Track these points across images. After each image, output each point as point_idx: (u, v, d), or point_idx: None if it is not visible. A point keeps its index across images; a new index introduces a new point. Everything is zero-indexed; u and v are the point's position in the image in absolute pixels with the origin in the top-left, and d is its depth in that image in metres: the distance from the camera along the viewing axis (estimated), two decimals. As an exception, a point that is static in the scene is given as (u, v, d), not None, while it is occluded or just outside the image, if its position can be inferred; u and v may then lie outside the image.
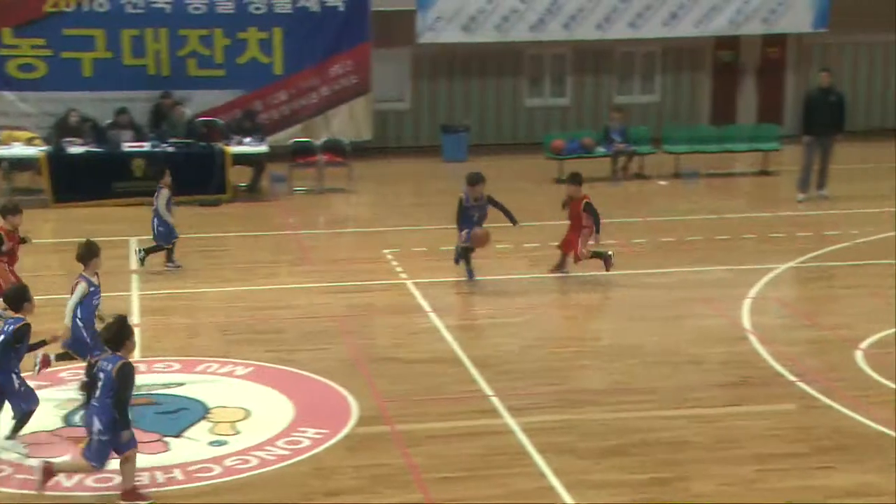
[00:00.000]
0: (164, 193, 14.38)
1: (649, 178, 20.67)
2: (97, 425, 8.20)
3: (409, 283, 14.19)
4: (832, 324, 12.51)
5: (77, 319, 10.00)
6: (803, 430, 9.76)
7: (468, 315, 13.09)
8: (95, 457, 8.27)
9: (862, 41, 23.91)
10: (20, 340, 9.20)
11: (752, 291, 13.78)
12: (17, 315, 9.34)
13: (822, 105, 18.49)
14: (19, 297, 9.40)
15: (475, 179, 13.91)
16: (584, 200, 14.10)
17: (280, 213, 14.76)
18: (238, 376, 10.98)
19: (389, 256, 15.45)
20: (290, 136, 21.45)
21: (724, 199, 19.07)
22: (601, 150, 20.86)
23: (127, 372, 8.14)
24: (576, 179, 14.35)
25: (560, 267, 14.36)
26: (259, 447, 9.37)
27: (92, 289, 10.08)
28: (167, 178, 14.45)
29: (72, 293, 10.07)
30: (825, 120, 18.48)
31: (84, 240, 10.37)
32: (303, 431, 9.65)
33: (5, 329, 9.28)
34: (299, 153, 20.37)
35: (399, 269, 14.86)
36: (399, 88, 23.68)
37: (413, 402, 10.10)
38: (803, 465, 9.05)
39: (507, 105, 23.93)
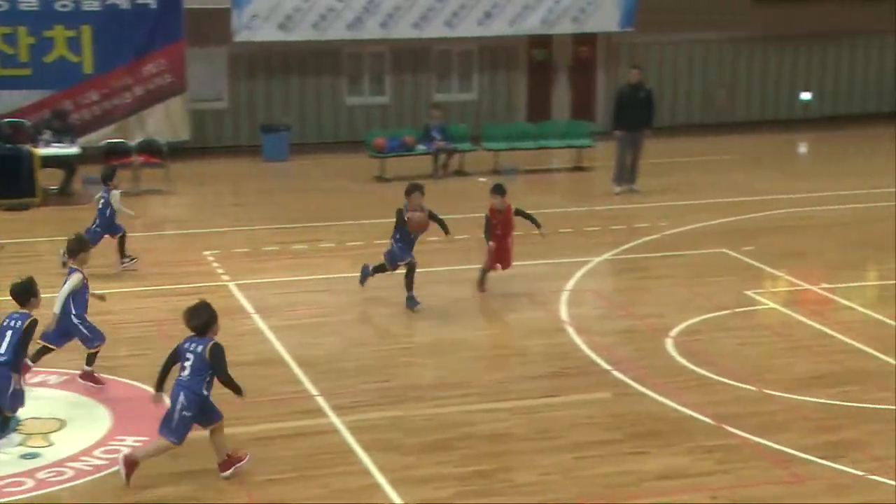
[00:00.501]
0: (116, 194, 14.49)
1: (469, 174, 21.00)
2: (182, 401, 8.60)
3: (231, 284, 14.04)
4: (644, 313, 12.99)
5: (72, 317, 10.18)
6: (618, 417, 10.12)
7: (292, 315, 13.04)
8: (176, 433, 8.64)
9: (667, 40, 24.88)
10: (29, 336, 9.35)
11: (569, 284, 14.18)
12: (22, 310, 9.44)
13: (633, 101, 19.16)
14: (27, 292, 9.51)
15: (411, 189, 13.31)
16: (514, 207, 13.69)
17: (93, 216, 14.40)
18: (52, 386, 10.66)
19: (210, 258, 15.24)
20: (102, 136, 20.91)
21: (542, 194, 19.53)
22: (422, 147, 21.07)
23: (219, 351, 8.63)
24: (500, 190, 13.66)
25: (484, 283, 13.72)
26: (74, 458, 9.13)
27: (85, 281, 10.33)
28: (117, 180, 14.63)
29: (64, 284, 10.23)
30: (635, 116, 19.15)
31: (74, 234, 10.87)
32: (121, 440, 9.45)
33: (14, 325, 9.32)
34: (113, 154, 19.85)
35: (220, 270, 14.68)
36: (216, 88, 23.36)
37: (237, 404, 9.99)
38: (618, 451, 9.40)
39: (328, 104, 23.90)
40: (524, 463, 9.19)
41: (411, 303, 13.08)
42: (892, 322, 12.42)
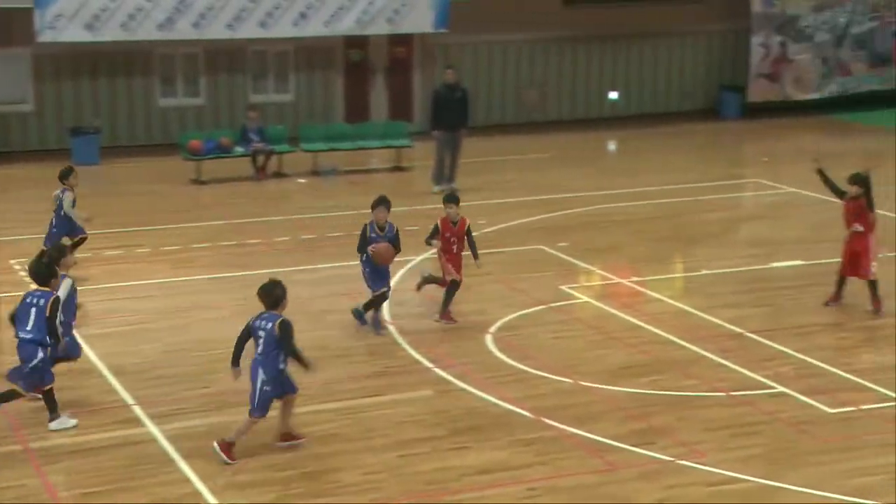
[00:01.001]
0: (69, 196, 14.04)
1: (288, 176, 20.86)
2: (261, 377, 9.14)
3: (41, 294, 13.57)
4: (465, 311, 13.20)
5: (60, 324, 9.90)
6: (440, 413, 10.28)
7: (108, 323, 12.70)
8: (260, 409, 9.22)
9: (481, 41, 25.30)
10: (55, 313, 9.60)
11: (391, 283, 14.26)
12: (43, 288, 9.72)
13: (449, 101, 19.41)
14: (48, 271, 9.88)
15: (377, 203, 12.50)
16: (468, 223, 12.90)
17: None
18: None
19: (17, 266, 14.68)
20: None
21: (362, 195, 19.55)
22: (239, 149, 20.81)
23: (287, 326, 9.17)
24: (453, 199, 12.81)
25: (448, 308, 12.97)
26: None
27: (74, 286, 10.41)
28: (74, 179, 14.22)
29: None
30: (453, 116, 19.42)
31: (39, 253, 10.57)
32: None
33: (38, 303, 9.57)
34: None
35: (28, 279, 14.15)
36: (20, 90, 22.49)
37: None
38: (441, 448, 9.55)
39: (140, 105, 23.33)
40: (350, 463, 9.24)
41: (358, 316, 12.42)
42: (697, 312, 13.00)
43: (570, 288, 14.03)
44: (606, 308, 13.30)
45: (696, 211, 17.84)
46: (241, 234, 16.56)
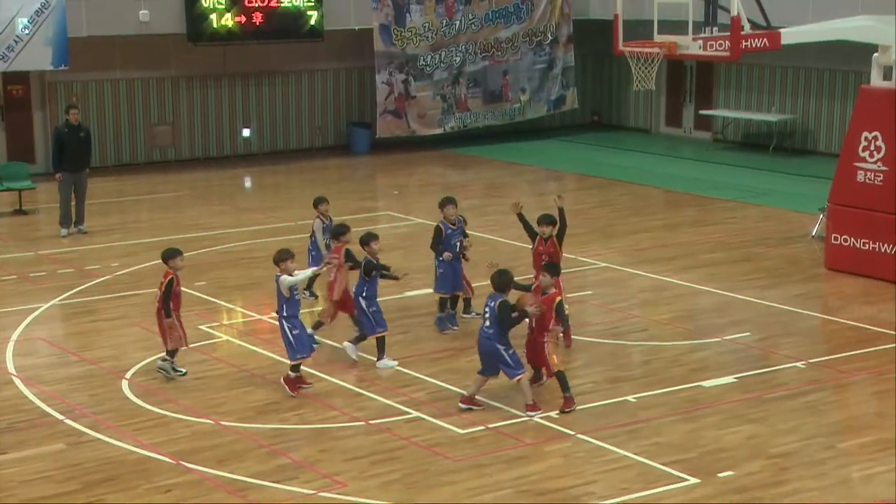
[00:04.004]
0: None
1: None
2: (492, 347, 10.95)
3: None
4: (99, 357, 12.73)
5: None
6: (73, 467, 9.83)
7: None
8: (517, 367, 10.96)
9: (106, 78, 24.53)
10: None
11: (15, 334, 13.53)
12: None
13: (73, 141, 18.68)
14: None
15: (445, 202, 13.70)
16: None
17: None
18: None
19: None
20: None
21: (-20, 241, 18.41)
22: None
23: (505, 305, 10.84)
24: (341, 230, 12.96)
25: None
26: None
27: None
28: None
29: None
30: (77, 156, 18.71)
31: None
32: None
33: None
34: None
35: None
36: None
37: None
38: (74, 502, 9.11)
39: None
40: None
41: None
42: (336, 344, 13.17)
43: (209, 327, 13.86)
44: (248, 346, 13.24)
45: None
46: None
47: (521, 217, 13.25)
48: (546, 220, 13.02)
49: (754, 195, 21.54)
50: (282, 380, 11.67)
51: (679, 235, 18.63)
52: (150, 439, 10.42)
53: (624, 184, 22.97)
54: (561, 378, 11.11)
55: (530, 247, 13.13)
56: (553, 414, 11.01)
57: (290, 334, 11.59)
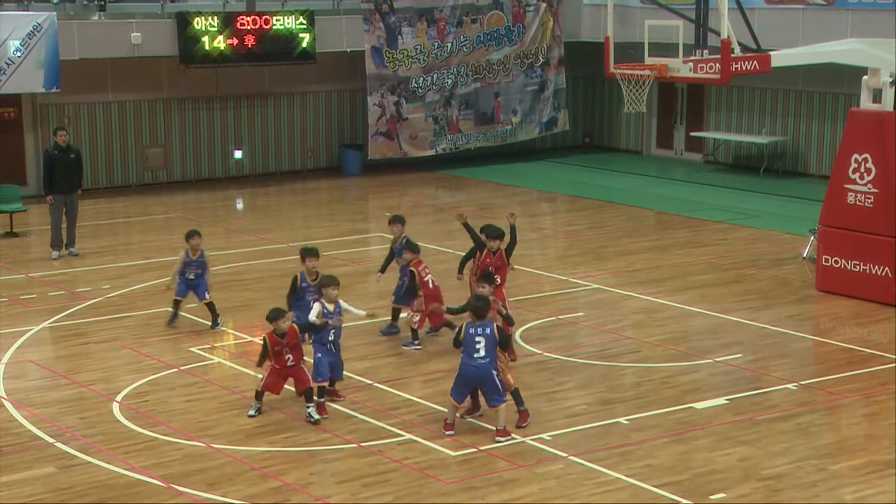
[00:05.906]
0: None
1: None
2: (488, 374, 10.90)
3: None
4: (90, 379, 12.69)
5: None
6: (63, 491, 9.79)
7: None
8: (500, 398, 10.98)
9: (98, 100, 24.54)
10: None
11: (6, 356, 13.49)
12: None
13: (63, 164, 18.67)
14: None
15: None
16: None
17: None
18: None
19: None
20: None
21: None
22: None
23: (500, 329, 11.06)
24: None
25: None
26: None
27: None
28: None
29: None
30: (67, 178, 18.70)
31: None
32: None
33: None
34: None
35: None
36: None
37: None
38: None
39: None
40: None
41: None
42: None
43: (201, 349, 13.83)
44: (239, 368, 13.21)
45: (326, 266, 18.12)
46: None
47: (467, 226, 13.53)
48: (495, 234, 13.31)
49: (745, 217, 21.60)
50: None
51: (671, 257, 18.66)
52: (140, 462, 10.38)
53: (616, 205, 23.01)
54: (515, 394, 11.26)
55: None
56: (546, 436, 11.00)
57: (312, 359, 11.88)
